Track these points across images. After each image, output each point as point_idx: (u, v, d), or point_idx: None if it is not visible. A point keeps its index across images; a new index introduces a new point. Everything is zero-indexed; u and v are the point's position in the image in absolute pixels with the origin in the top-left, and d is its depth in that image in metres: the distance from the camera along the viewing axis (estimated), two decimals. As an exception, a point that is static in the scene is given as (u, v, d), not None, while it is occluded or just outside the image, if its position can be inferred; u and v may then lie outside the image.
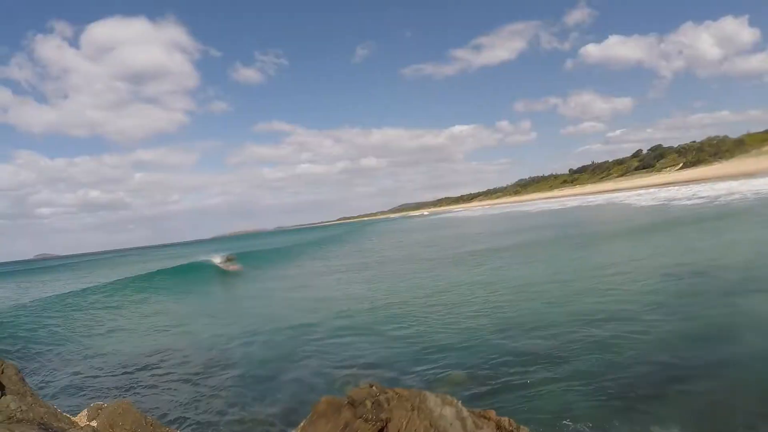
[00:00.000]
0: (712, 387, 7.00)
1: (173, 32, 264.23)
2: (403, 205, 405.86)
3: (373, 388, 5.46)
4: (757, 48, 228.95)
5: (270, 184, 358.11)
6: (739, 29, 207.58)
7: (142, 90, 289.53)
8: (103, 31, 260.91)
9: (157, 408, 9.29)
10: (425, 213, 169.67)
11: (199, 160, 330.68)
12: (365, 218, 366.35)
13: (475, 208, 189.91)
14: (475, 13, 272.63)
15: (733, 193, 44.19)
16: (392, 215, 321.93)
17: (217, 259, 35.94)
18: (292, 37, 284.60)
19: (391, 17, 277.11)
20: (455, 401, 5.36)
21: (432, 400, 5.27)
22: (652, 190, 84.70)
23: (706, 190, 54.71)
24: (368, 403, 5.21)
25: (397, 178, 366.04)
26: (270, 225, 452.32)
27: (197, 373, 11.26)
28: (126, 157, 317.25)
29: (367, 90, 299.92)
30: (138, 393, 10.34)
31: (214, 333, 15.46)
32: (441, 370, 9.47)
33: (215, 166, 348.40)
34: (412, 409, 5.14)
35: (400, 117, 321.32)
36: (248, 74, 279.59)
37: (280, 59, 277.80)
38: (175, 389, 10.36)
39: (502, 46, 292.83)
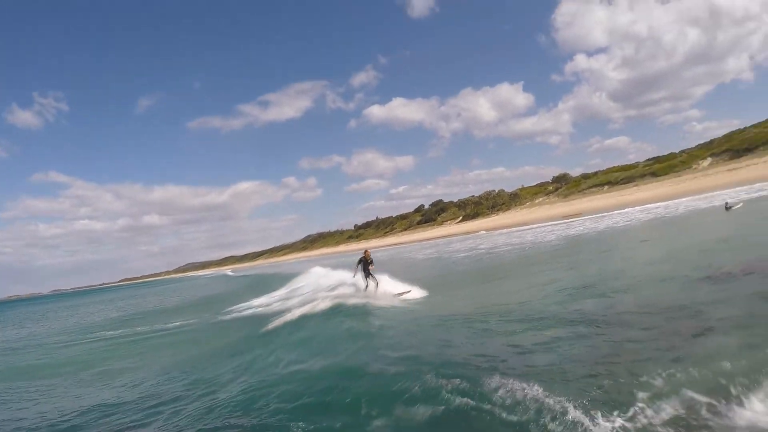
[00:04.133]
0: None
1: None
2: (188, 264, 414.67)
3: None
4: (529, 111, 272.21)
5: (46, 241, 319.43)
6: (514, 95, 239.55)
7: None
8: None
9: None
10: (229, 272, 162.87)
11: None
12: (149, 279, 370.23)
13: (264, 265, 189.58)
14: (265, 69, 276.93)
15: (511, 243, 47.16)
16: (177, 275, 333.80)
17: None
18: (75, 80, 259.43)
19: (179, 67, 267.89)
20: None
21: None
22: (438, 241, 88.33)
23: (486, 242, 58.90)
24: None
25: (181, 237, 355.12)
26: (45, 288, 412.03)
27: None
28: None
29: (151, 144, 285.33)
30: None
31: None
32: None
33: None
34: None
35: (185, 173, 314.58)
36: (25, 117, 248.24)
37: (60, 103, 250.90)
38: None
39: (289, 104, 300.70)
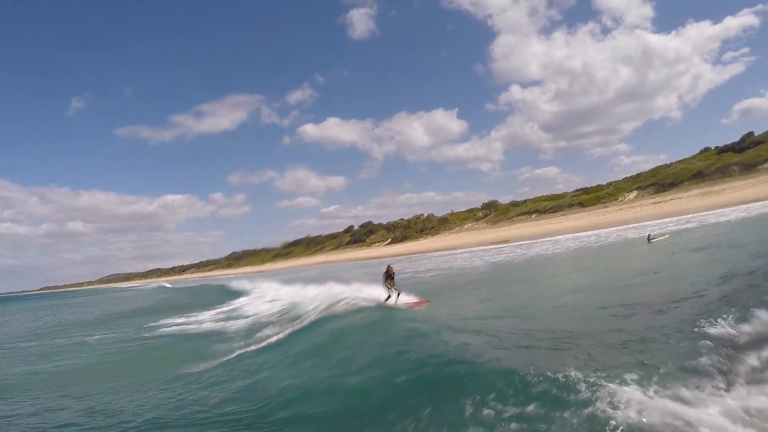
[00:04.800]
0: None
1: None
2: (112, 275, 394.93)
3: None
4: (463, 138, 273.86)
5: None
6: (448, 121, 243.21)
7: None
8: None
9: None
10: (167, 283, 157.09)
11: None
12: (71, 288, 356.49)
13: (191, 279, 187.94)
14: (200, 79, 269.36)
15: (439, 268, 49.01)
16: (100, 285, 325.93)
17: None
18: (3, 74, 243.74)
19: (112, 71, 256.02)
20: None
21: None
22: (370, 261, 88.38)
23: (413, 265, 59.83)
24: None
25: (106, 246, 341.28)
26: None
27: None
28: None
29: (80, 147, 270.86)
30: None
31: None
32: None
33: None
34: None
35: (113, 180, 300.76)
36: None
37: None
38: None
39: (224, 115, 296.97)
